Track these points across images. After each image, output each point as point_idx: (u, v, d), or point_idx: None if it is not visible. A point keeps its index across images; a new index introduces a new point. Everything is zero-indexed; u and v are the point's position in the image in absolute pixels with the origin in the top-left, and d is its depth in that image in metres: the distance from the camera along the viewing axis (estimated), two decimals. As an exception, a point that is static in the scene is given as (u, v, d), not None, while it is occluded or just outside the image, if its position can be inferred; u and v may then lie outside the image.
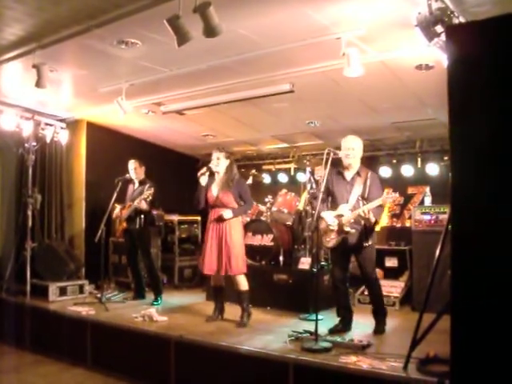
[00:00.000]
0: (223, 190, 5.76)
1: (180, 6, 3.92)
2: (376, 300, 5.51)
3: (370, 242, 5.30)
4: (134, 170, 7.32)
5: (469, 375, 2.93)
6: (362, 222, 5.20)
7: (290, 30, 4.78)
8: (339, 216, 5.24)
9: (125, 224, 7.22)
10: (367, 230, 5.25)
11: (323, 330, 5.13)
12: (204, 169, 5.83)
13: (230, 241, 5.69)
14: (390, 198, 5.03)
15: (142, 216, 7.12)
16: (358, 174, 5.35)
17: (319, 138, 8.60)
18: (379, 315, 5.46)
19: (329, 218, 5.30)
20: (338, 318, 5.51)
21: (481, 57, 2.94)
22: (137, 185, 7.36)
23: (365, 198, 5.23)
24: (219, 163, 5.81)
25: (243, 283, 5.81)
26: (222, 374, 4.76)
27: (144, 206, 6.96)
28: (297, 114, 7.42)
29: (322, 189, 5.21)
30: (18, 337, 6.65)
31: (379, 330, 5.37)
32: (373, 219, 5.11)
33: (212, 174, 5.90)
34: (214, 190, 5.83)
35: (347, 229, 5.17)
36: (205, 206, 5.93)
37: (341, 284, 5.48)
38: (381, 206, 5.17)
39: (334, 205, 5.38)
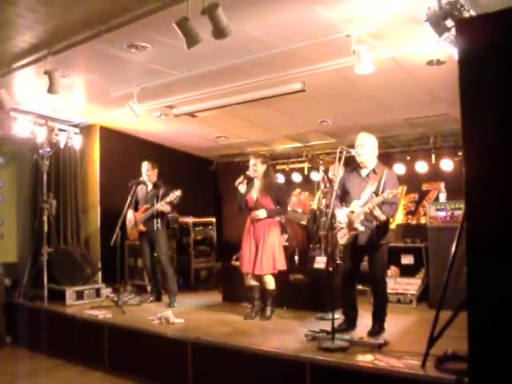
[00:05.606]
0: (262, 194, 6.15)
1: (188, 9, 3.94)
2: (379, 301, 5.25)
3: (382, 242, 5.11)
4: (147, 172, 7.35)
5: (487, 372, 2.90)
6: (374, 221, 5.03)
7: (299, 29, 4.77)
8: (351, 213, 5.09)
9: (141, 227, 7.21)
10: (380, 228, 5.08)
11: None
12: (241, 177, 6.20)
13: (266, 242, 5.98)
14: (390, 193, 4.84)
15: (159, 218, 7.16)
16: (373, 171, 5.20)
17: (332, 136, 8.57)
18: (378, 318, 5.20)
19: (340, 215, 5.20)
20: (342, 317, 5.39)
21: (492, 50, 2.91)
22: (150, 187, 7.38)
23: (379, 196, 5.00)
24: (257, 169, 6.18)
25: (270, 282, 6.05)
26: (239, 375, 4.76)
27: (168, 209, 7.06)
28: (309, 112, 7.39)
29: (336, 187, 5.16)
30: (35, 341, 6.72)
31: (374, 332, 5.10)
32: (382, 217, 4.92)
33: (250, 180, 6.23)
34: (254, 194, 6.19)
35: (356, 225, 4.99)
36: (245, 209, 6.26)
37: (348, 282, 5.36)
38: (394, 204, 5.03)
39: (350, 202, 5.23)
